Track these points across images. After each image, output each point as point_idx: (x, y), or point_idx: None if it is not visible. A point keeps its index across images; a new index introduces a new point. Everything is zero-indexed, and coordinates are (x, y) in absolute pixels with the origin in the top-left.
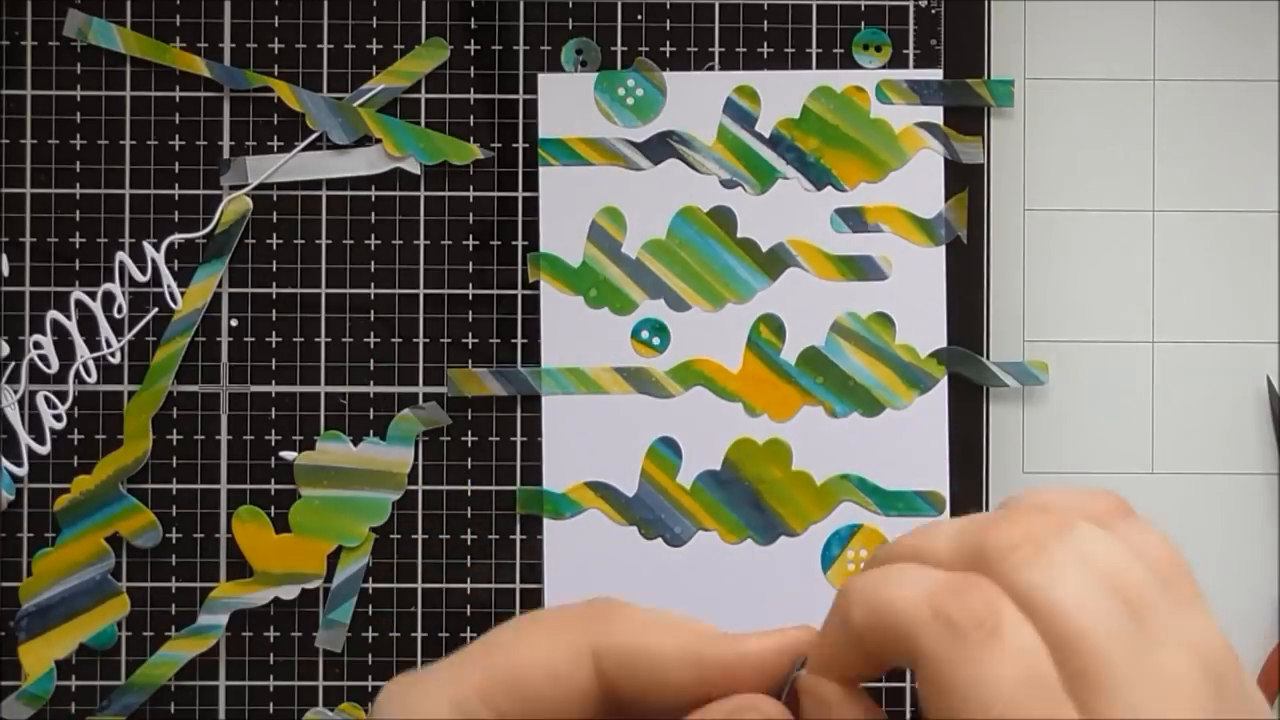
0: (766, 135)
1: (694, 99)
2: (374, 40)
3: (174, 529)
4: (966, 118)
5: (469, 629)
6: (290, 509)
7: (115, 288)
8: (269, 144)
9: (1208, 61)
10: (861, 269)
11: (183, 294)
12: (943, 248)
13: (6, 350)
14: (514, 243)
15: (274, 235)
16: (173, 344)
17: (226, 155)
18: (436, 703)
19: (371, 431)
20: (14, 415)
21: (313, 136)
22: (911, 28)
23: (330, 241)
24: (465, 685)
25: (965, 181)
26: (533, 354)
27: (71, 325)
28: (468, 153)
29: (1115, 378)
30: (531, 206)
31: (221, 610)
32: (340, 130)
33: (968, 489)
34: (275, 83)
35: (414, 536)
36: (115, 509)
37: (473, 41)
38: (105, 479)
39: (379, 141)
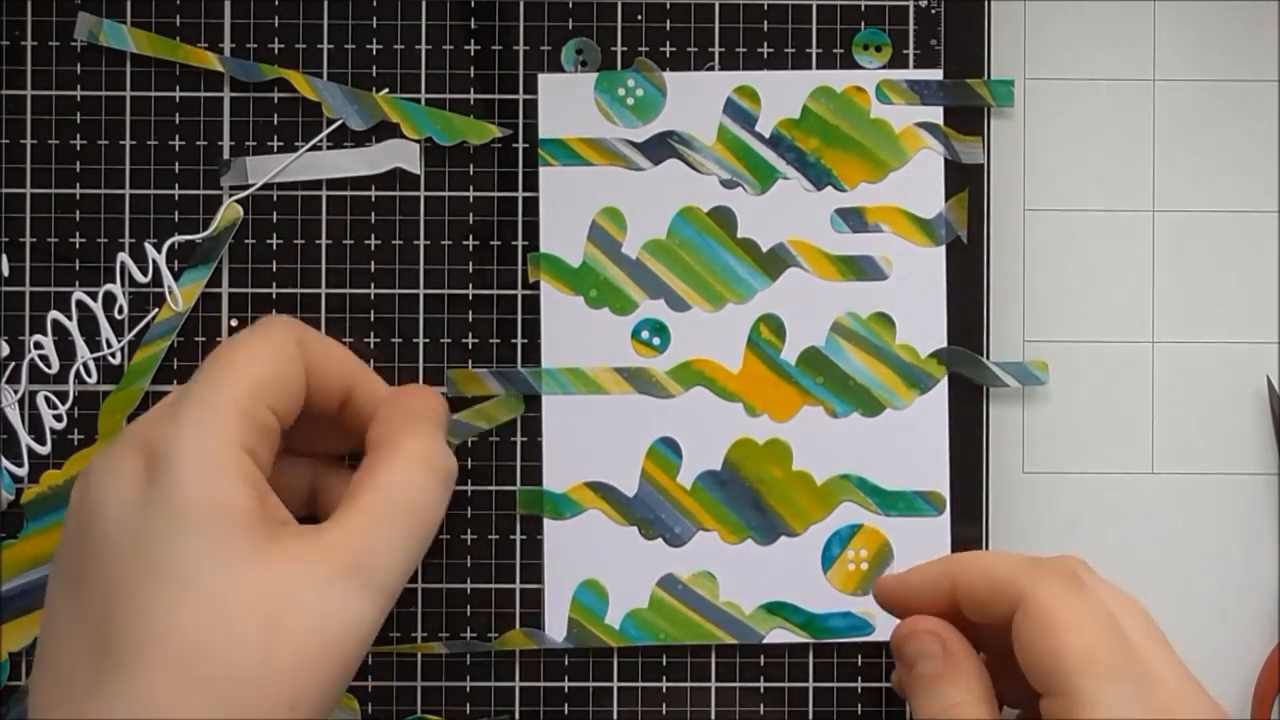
0: (766, 135)
1: (694, 99)
2: (374, 40)
3: None
4: (966, 118)
5: (469, 629)
6: None
7: (116, 288)
8: (269, 144)
9: (1208, 61)
10: (861, 269)
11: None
12: (943, 248)
13: (6, 350)
14: (514, 243)
15: (274, 235)
16: (153, 346)
17: (227, 156)
18: (220, 420)
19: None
20: (14, 415)
21: (316, 138)
22: (911, 28)
23: (330, 241)
24: (225, 406)
25: (965, 181)
26: (533, 354)
27: (72, 325)
28: (486, 132)
29: (1115, 378)
30: (531, 206)
31: None
32: (357, 116)
33: (968, 489)
34: (290, 73)
35: None
36: None
37: (473, 41)
38: (75, 475)
39: (396, 126)
